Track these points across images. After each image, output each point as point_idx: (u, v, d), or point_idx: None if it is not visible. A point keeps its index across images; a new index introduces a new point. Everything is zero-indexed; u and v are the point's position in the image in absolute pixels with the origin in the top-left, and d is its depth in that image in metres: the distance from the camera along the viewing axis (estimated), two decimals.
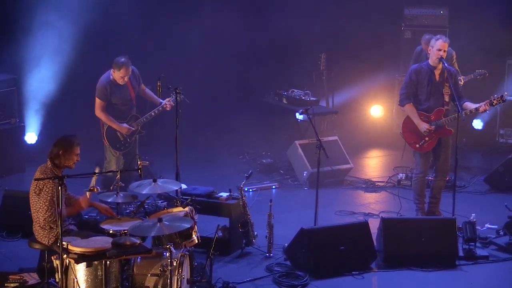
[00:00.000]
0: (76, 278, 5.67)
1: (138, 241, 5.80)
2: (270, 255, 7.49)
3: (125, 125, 8.83)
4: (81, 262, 5.66)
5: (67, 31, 10.67)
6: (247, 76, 12.24)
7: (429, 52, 8.19)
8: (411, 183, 8.88)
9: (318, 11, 12.21)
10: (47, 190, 6.19)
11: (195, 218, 6.62)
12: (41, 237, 6.28)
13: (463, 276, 7.19)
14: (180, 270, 5.82)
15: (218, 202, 7.65)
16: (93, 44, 11.10)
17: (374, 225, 7.65)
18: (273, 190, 9.85)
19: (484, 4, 11.31)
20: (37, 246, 6.33)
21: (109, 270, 5.72)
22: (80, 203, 6.47)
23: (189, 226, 6.05)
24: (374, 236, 7.39)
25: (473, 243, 7.49)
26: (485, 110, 7.99)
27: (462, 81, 9.14)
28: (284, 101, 11.25)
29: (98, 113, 8.76)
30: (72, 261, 5.66)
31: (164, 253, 5.85)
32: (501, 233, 7.92)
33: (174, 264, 5.80)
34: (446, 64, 8.10)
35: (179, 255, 5.87)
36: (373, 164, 11.25)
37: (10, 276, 6.61)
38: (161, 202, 8.19)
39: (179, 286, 5.82)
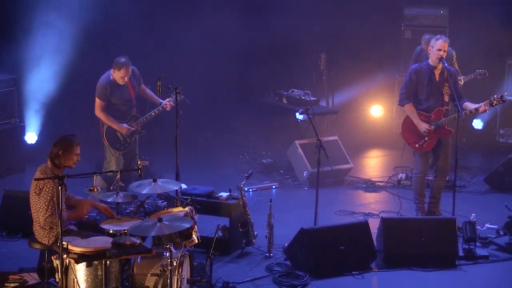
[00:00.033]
0: (76, 278, 5.67)
1: (138, 241, 5.80)
2: (270, 255, 7.49)
3: (125, 125, 8.84)
4: (81, 262, 5.66)
5: (67, 31, 10.65)
6: (247, 76, 12.23)
7: (429, 52, 8.18)
8: (411, 183, 8.87)
9: (318, 11, 12.20)
10: (47, 190, 6.18)
11: (195, 218, 6.62)
12: (41, 237, 6.28)
13: (463, 276, 7.18)
14: (180, 270, 5.82)
15: (218, 202, 7.64)
16: (93, 44, 11.09)
17: (374, 225, 7.64)
18: (273, 190, 9.84)
19: (484, 4, 11.30)
20: (37, 246, 6.33)
21: (109, 270, 5.72)
22: (82, 209, 6.44)
23: (189, 226, 6.04)
24: (374, 236, 7.38)
25: (473, 243, 7.49)
26: (485, 111, 7.98)
27: (462, 81, 9.13)
28: (284, 101, 11.24)
29: (98, 113, 8.76)
30: (72, 261, 5.66)
31: (164, 253, 5.84)
32: (501, 233, 7.91)
33: (174, 264, 5.79)
34: (446, 64, 8.09)
35: (179, 255, 5.87)
36: (373, 164, 11.25)
37: (10, 276, 6.60)
38: (161, 202, 8.17)
39: (179, 286, 5.82)
